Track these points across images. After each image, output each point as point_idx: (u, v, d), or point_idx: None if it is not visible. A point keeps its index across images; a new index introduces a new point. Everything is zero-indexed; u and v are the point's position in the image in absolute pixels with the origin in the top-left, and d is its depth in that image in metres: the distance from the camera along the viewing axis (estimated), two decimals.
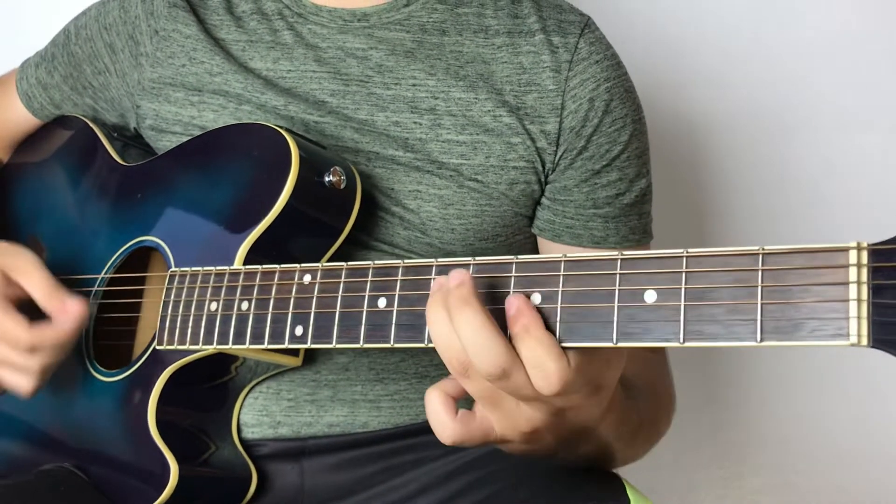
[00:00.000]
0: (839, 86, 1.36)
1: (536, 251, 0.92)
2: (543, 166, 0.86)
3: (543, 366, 0.56)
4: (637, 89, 0.90)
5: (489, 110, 0.85)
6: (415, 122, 0.85)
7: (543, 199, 0.88)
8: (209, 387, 0.82)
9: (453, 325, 0.57)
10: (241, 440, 0.85)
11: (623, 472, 0.79)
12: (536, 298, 0.59)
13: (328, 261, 0.81)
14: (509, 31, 0.88)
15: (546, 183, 0.87)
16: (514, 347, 0.57)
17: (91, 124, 0.99)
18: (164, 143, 0.91)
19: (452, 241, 0.85)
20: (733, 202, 1.42)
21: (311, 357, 0.84)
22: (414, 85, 0.86)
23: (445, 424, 0.61)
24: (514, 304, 0.58)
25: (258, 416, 0.85)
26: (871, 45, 1.35)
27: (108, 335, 0.88)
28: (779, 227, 1.40)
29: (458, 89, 0.85)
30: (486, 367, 0.57)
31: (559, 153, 0.85)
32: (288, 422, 0.84)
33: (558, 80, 0.85)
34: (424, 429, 0.86)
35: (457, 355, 0.58)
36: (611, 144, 0.86)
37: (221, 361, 0.80)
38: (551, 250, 0.89)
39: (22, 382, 0.79)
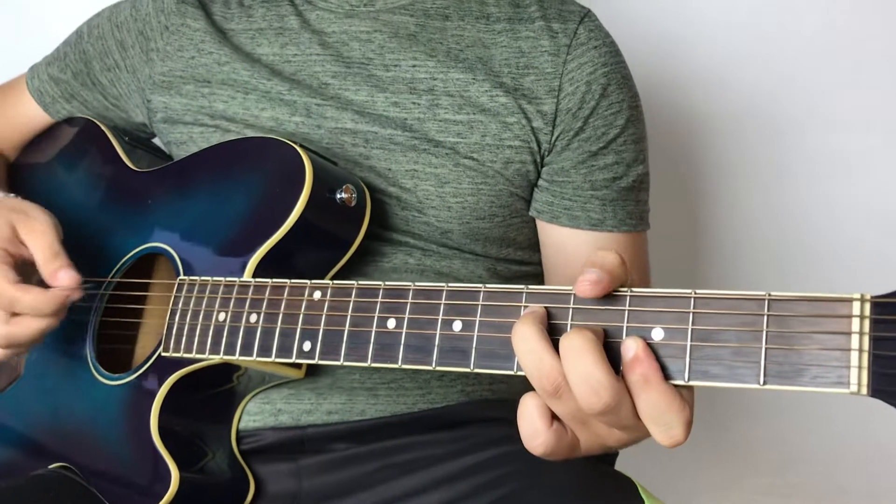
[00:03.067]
0: (839, 86, 1.37)
1: (533, 237, 0.94)
2: (539, 147, 0.88)
3: (669, 423, 0.55)
4: (636, 88, 0.92)
5: (486, 90, 0.87)
6: (413, 103, 0.87)
7: (541, 181, 0.90)
8: (211, 395, 0.83)
9: (559, 348, 0.55)
10: (241, 429, 0.86)
11: (625, 472, 0.80)
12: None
13: (336, 275, 0.83)
14: (510, 17, 0.91)
15: (543, 165, 0.89)
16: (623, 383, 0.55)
17: (102, 126, 1.00)
18: (175, 136, 0.93)
19: (449, 219, 0.87)
20: (731, 202, 1.43)
21: None
22: (414, 66, 0.89)
23: (539, 432, 0.58)
24: (631, 348, 0.55)
25: (260, 404, 0.86)
26: (871, 45, 1.36)
27: (110, 338, 0.89)
28: (777, 228, 1.41)
29: (456, 70, 0.88)
30: (587, 397, 0.54)
31: (556, 134, 0.87)
32: (288, 409, 0.86)
33: (556, 63, 0.87)
34: (423, 424, 0.87)
35: (549, 380, 0.56)
36: (607, 127, 0.88)
37: (224, 371, 0.81)
38: (550, 233, 0.91)
39: None
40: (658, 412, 0.55)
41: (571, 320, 0.60)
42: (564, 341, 0.56)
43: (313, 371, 0.86)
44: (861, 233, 1.39)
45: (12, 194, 0.90)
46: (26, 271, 0.80)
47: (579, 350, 0.55)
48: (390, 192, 0.87)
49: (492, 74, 0.87)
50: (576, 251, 0.90)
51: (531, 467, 0.81)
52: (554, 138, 0.87)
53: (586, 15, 0.90)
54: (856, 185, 1.39)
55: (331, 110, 0.88)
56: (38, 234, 0.80)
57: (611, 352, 0.57)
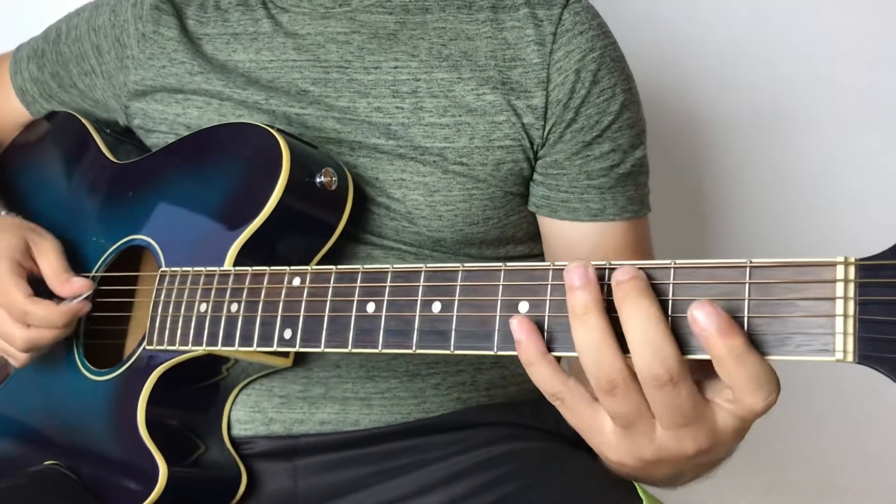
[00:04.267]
0: (839, 86, 1.35)
1: (533, 230, 0.91)
2: (532, 143, 0.84)
3: (760, 380, 0.52)
4: (637, 89, 0.89)
5: (472, 89, 0.83)
6: (396, 107, 0.84)
7: (536, 176, 0.86)
8: (199, 387, 0.82)
9: (622, 317, 0.53)
10: (233, 438, 0.84)
11: None
12: (524, 307, 0.59)
13: (319, 261, 0.81)
14: (493, 6, 0.86)
15: (536, 159, 0.85)
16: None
17: (83, 120, 0.99)
18: (152, 141, 0.92)
19: (441, 228, 0.84)
20: (733, 202, 1.41)
21: (303, 354, 0.84)
22: (395, 67, 0.85)
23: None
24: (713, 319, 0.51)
25: (250, 412, 0.84)
26: (871, 45, 1.34)
27: (99, 334, 0.88)
28: (779, 227, 1.39)
29: (440, 70, 0.84)
30: (654, 368, 0.52)
31: (547, 127, 0.84)
32: (280, 419, 0.84)
33: (543, 54, 0.83)
34: (419, 429, 0.86)
35: (606, 370, 0.54)
36: (601, 115, 0.84)
37: (212, 362, 0.80)
38: (551, 227, 0.88)
39: (11, 351, 0.84)
40: (754, 377, 0.52)
41: (550, 296, 0.58)
42: (628, 309, 0.53)
43: (305, 380, 0.84)
44: (862, 232, 1.37)
45: (13, 213, 0.92)
46: (36, 287, 0.83)
47: (647, 318, 0.53)
48: (379, 202, 0.84)
49: (477, 70, 0.84)
50: (580, 243, 0.87)
51: (530, 467, 0.79)
52: (546, 132, 0.84)
53: None
54: (857, 185, 1.38)
55: (311, 119, 0.85)
56: (48, 250, 0.85)
57: None
